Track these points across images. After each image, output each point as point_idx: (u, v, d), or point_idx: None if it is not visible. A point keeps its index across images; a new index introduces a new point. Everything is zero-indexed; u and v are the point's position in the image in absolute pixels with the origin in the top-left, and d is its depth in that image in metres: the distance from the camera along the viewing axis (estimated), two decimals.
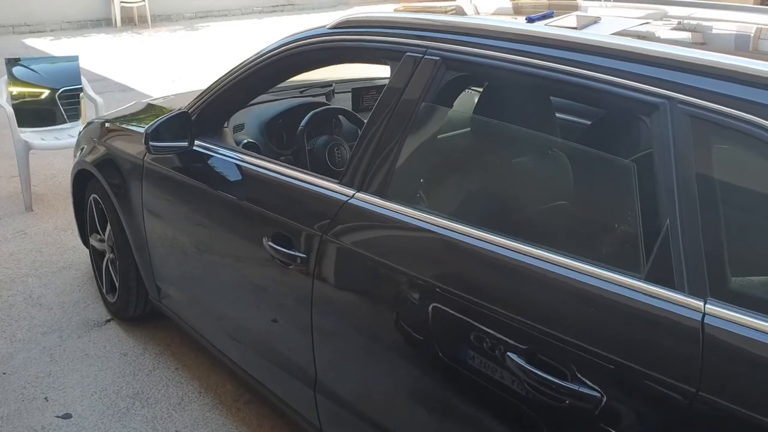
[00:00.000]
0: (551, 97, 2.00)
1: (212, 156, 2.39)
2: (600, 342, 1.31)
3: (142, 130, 2.84)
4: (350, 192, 1.85)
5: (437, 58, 1.75)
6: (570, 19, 1.83)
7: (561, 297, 1.41)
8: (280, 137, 2.76)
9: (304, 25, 2.39)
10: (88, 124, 3.39)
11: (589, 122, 2.40)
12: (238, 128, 2.71)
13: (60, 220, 4.23)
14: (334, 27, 2.07)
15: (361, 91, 3.01)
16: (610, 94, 1.45)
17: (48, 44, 10.07)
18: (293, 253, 1.92)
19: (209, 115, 2.47)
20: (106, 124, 3.16)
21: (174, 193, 2.57)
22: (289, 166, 2.14)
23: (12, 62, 4.71)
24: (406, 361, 1.74)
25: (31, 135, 4.52)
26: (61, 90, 4.91)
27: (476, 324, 1.50)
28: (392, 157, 1.79)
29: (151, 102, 3.38)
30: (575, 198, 1.84)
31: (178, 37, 10.91)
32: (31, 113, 4.75)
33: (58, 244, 3.94)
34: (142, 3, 11.49)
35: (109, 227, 3.06)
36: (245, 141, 2.59)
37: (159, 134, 2.34)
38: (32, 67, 4.95)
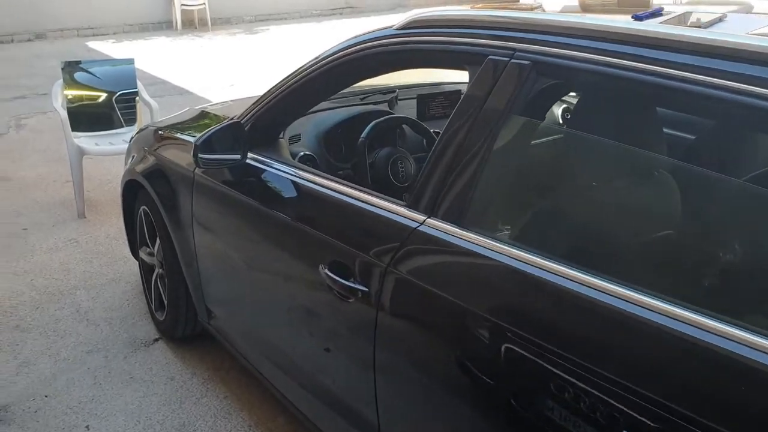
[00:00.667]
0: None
1: (266, 170, 2.18)
2: (730, 420, 1.03)
3: (193, 140, 2.68)
4: (420, 217, 1.60)
5: (527, 62, 1.48)
6: (687, 17, 1.54)
7: (667, 355, 1.13)
8: (338, 149, 2.52)
9: (363, 27, 2.15)
10: (140, 131, 3.24)
11: (691, 137, 2.09)
12: (295, 139, 2.48)
13: (112, 229, 4.11)
14: (402, 27, 1.82)
15: (427, 97, 2.75)
16: (752, 109, 1.16)
17: (110, 47, 10.16)
18: (353, 285, 1.68)
19: (264, 125, 2.26)
20: (157, 132, 3.00)
21: (225, 209, 2.37)
22: (349, 184, 1.90)
23: (70, 65, 4.64)
24: (484, 415, 1.48)
25: (85, 140, 4.43)
26: (118, 93, 4.82)
27: (565, 379, 1.23)
28: (471, 178, 1.53)
29: (205, 109, 3.20)
30: (687, 230, 1.55)
31: (237, 40, 10.87)
32: (87, 117, 4.66)
33: (109, 254, 3.81)
34: (203, 6, 11.50)
35: (158, 241, 2.89)
36: (301, 153, 2.37)
37: (209, 146, 2.14)
38: (90, 69, 4.88)
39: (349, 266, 1.72)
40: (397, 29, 1.83)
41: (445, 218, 1.55)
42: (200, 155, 2.14)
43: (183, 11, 11.47)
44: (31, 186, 4.83)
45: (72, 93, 4.65)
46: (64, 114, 4.27)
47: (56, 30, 10.80)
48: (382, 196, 1.77)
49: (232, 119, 2.23)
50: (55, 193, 4.72)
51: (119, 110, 4.85)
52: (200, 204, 2.46)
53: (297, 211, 2.04)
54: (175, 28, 11.60)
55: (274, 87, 2.23)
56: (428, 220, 1.58)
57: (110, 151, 4.36)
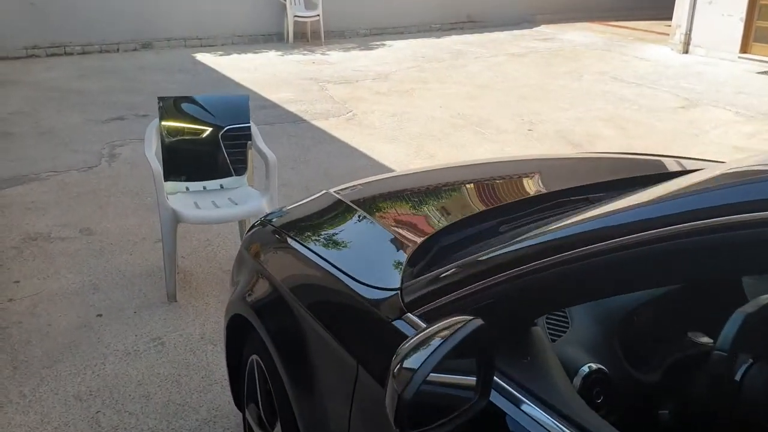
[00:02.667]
0: None
1: (513, 418, 1.05)
2: None
3: (337, 271, 1.58)
4: None
5: None
6: None
7: None
8: (645, 348, 1.33)
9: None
10: (255, 227, 2.17)
11: None
12: (559, 325, 1.32)
13: (209, 324, 3.10)
14: None
15: None
16: None
17: (217, 59, 9.40)
18: None
19: (510, 307, 1.13)
20: (279, 237, 1.93)
21: None
22: None
23: (167, 101, 3.70)
24: None
25: (182, 199, 3.45)
26: (225, 128, 3.86)
27: None
28: None
29: (341, 196, 2.11)
30: None
31: (352, 56, 9.89)
32: (186, 157, 3.71)
33: (203, 369, 2.79)
34: (317, 18, 10.61)
35: (278, 424, 1.81)
36: (584, 370, 1.21)
37: (422, 394, 1.01)
38: (195, 99, 3.96)
39: None
40: None
41: None
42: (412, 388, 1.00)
43: (295, 23, 10.62)
44: (115, 244, 3.91)
45: (170, 125, 3.72)
46: (157, 167, 3.30)
47: (163, 39, 10.17)
48: None
49: (467, 321, 1.08)
50: (143, 257, 3.77)
51: (226, 151, 3.88)
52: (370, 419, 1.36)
53: None
54: (286, 41, 10.76)
55: (539, 246, 1.09)
56: None
57: (213, 218, 3.38)
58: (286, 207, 2.28)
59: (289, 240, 1.90)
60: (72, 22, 9.47)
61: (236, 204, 3.48)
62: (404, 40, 11.34)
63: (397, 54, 10.11)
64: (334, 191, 2.23)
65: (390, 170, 5.25)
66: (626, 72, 8.75)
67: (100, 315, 3.19)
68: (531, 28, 12.52)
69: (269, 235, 2.04)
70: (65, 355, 2.87)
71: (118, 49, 9.86)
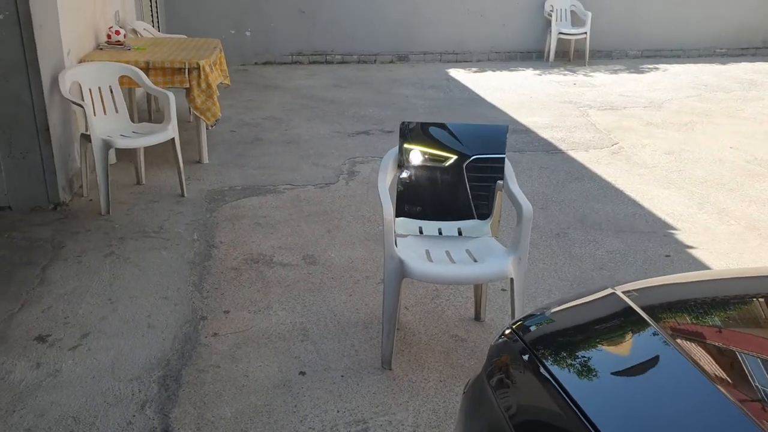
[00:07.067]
0: None
1: None
2: None
3: None
4: None
5: None
6: None
7: None
8: None
9: None
10: (501, 339, 1.45)
11: None
12: None
13: (425, 411, 2.46)
14: None
15: None
16: None
17: (469, 76, 8.89)
18: None
19: None
20: (526, 362, 1.20)
21: None
22: None
23: (411, 127, 3.14)
24: None
25: (412, 246, 2.87)
26: (472, 158, 3.22)
27: None
28: None
29: (634, 303, 1.31)
30: None
31: (619, 79, 8.79)
32: (422, 189, 3.14)
33: None
34: (583, 36, 9.66)
35: None
36: None
37: None
38: (448, 125, 3.37)
39: None
40: None
41: None
42: None
43: (559, 41, 9.77)
44: (336, 279, 3.46)
45: (411, 148, 3.18)
46: (389, 209, 2.71)
47: (419, 53, 9.93)
48: None
49: None
50: (362, 301, 3.26)
51: (470, 185, 3.23)
52: None
53: None
54: (545, 60, 9.95)
55: None
56: None
57: (447, 277, 2.71)
58: (550, 307, 1.53)
59: (547, 373, 1.17)
60: (335, 32, 9.58)
61: (475, 261, 2.80)
62: (681, 65, 9.93)
63: (673, 80, 8.80)
64: (624, 292, 1.45)
65: (665, 224, 4.24)
66: None
67: (303, 373, 2.70)
68: None
69: (517, 357, 1.32)
70: (254, 423, 2.41)
71: (375, 60, 9.80)
